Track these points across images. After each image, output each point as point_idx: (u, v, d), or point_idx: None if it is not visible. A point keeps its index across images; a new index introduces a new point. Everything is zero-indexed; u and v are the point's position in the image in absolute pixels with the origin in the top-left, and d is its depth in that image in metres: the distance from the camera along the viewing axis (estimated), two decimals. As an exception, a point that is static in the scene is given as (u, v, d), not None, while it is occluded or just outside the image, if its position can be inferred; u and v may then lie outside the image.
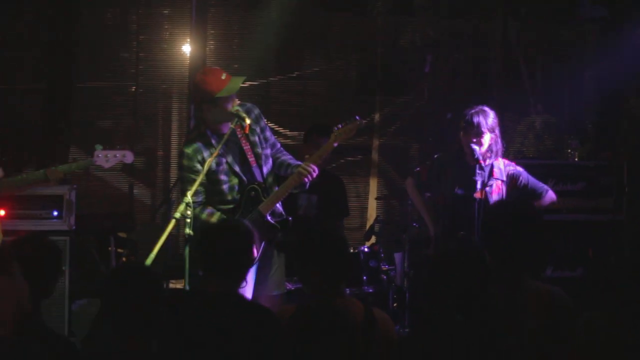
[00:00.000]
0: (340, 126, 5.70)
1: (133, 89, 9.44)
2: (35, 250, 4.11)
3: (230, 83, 5.61)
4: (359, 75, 10.05)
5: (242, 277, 4.26)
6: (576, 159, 7.88)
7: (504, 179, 6.27)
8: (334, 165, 9.30)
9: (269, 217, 5.71)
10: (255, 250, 4.40)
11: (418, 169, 6.62)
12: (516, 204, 4.70)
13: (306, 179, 5.64)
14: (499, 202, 5.98)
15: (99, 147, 6.23)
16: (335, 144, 5.72)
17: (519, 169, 6.38)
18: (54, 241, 4.28)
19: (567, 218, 7.46)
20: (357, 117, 5.73)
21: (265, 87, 9.55)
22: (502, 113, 9.43)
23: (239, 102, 5.71)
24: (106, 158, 6.21)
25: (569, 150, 8.00)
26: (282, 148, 5.97)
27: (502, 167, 6.29)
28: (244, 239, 4.27)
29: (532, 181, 6.39)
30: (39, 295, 4.04)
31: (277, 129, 9.37)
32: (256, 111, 5.83)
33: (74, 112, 9.32)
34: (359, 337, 4.01)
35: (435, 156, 6.56)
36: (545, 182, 6.89)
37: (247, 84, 9.22)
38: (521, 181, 6.33)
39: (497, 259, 4.09)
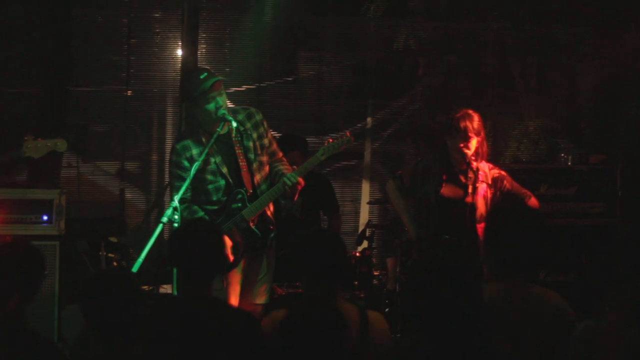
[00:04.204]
0: (330, 141, 5.70)
1: (128, 93, 9.37)
2: (18, 255, 4.03)
3: (205, 82, 5.57)
4: (353, 78, 10.00)
5: (209, 281, 4.21)
6: (569, 163, 7.84)
7: (489, 182, 6.24)
8: (327, 169, 9.26)
9: (251, 224, 5.67)
10: (229, 255, 4.34)
11: (400, 172, 6.57)
12: (525, 209, 4.71)
13: (290, 190, 5.61)
14: (507, 207, 5.93)
15: (28, 138, 6.13)
16: (323, 158, 5.71)
17: (503, 173, 6.35)
18: (36, 246, 4.21)
19: (560, 222, 7.40)
20: (347, 133, 5.77)
21: (258, 91, 9.49)
22: (496, 117, 9.51)
23: (233, 105, 5.70)
24: (36, 148, 6.12)
25: (562, 155, 7.96)
26: (282, 158, 5.94)
27: (487, 170, 6.27)
28: (208, 243, 4.22)
29: (515, 186, 6.35)
30: (20, 299, 3.99)
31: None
32: (257, 117, 5.80)
33: (68, 116, 9.24)
34: (356, 339, 4.00)
35: (419, 159, 6.52)
36: (538, 187, 6.83)
37: (244, 87, 9.22)
38: (505, 185, 6.29)
39: (501, 261, 4.15)
